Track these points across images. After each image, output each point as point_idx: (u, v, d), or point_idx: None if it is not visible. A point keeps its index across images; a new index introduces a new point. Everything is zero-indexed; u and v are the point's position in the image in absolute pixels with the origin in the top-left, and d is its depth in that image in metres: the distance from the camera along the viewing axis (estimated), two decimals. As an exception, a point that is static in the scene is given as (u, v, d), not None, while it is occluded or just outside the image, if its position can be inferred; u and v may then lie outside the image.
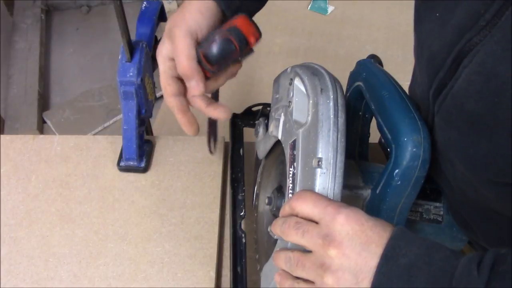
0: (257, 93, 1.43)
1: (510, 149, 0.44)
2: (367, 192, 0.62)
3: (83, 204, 0.81)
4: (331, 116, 0.52)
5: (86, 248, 0.77)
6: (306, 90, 0.55)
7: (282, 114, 0.62)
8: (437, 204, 0.66)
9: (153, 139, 0.89)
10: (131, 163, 0.84)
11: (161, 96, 1.85)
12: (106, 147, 0.88)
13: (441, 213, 0.66)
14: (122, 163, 0.85)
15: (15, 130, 1.88)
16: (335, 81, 0.55)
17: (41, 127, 1.95)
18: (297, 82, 0.57)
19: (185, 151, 0.88)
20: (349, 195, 0.62)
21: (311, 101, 0.54)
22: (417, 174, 0.56)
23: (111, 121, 2.00)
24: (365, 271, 0.45)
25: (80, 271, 0.75)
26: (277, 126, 0.63)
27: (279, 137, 0.63)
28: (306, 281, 0.48)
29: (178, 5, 1.83)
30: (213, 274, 0.74)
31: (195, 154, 0.87)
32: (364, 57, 0.70)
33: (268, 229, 0.54)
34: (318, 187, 0.51)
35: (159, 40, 0.91)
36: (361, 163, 0.66)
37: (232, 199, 0.82)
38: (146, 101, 0.82)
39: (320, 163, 0.51)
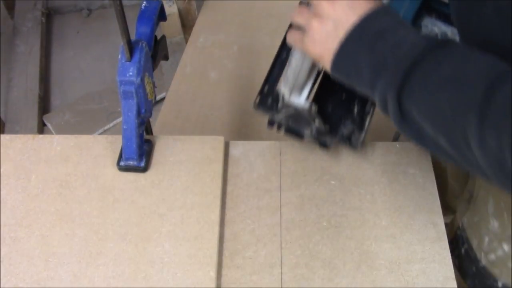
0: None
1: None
2: None
3: (83, 204, 0.81)
4: None
5: (86, 248, 0.77)
6: None
7: None
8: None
9: (153, 139, 0.89)
10: (131, 162, 0.84)
11: (162, 99, 1.83)
12: (106, 147, 0.88)
13: None
14: (122, 163, 0.84)
15: (15, 133, 1.88)
16: None
17: (42, 130, 1.96)
18: None
19: (185, 151, 0.88)
20: None
21: None
22: None
23: (111, 124, 2.00)
24: (345, 23, 0.57)
25: (80, 271, 0.75)
26: None
27: None
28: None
29: (179, 8, 1.83)
30: (213, 274, 0.74)
31: (195, 154, 0.87)
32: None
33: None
34: None
35: (159, 40, 0.91)
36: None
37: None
38: (146, 101, 0.82)
39: None
